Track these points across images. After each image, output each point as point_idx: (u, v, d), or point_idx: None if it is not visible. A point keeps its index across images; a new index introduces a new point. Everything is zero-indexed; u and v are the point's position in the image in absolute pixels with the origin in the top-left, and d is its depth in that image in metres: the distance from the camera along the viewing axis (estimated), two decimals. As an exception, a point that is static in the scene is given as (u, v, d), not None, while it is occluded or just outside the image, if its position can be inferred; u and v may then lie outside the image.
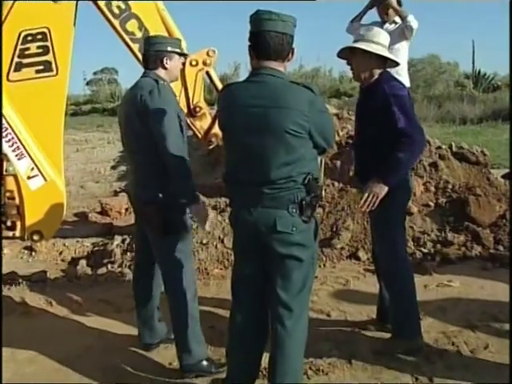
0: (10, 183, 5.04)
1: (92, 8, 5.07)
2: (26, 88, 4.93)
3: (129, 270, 5.40)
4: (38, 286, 5.15)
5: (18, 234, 5.16)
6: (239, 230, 2.99)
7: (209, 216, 3.44)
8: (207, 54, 5.37)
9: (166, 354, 3.85)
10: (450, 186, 6.35)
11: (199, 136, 5.46)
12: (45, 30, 4.90)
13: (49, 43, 4.92)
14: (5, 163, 5.13)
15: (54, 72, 4.99)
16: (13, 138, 4.92)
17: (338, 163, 6.30)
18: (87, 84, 37.96)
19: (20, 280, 5.17)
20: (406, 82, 5.55)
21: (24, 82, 4.93)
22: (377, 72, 3.59)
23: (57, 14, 4.92)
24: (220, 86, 5.54)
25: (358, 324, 4.24)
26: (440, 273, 5.22)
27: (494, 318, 4.19)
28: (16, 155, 4.95)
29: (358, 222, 5.88)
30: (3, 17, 4.79)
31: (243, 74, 25.26)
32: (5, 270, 5.16)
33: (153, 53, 3.51)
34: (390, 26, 5.87)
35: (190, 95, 5.33)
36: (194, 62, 5.28)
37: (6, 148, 4.92)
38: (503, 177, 6.88)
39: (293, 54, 2.83)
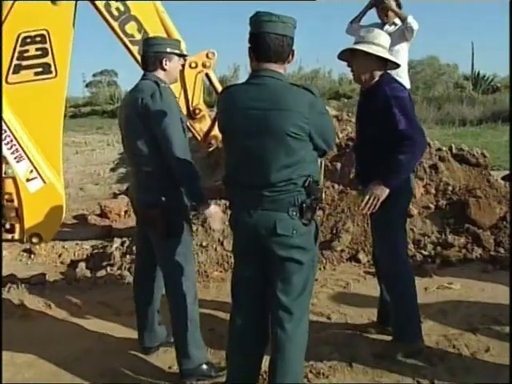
0: (8, 186, 5.01)
1: (91, 10, 5.06)
2: (25, 90, 4.91)
3: (128, 273, 5.39)
4: (37, 288, 5.13)
5: (16, 236, 5.13)
6: (239, 233, 2.98)
7: (220, 215, 3.44)
8: (207, 56, 5.36)
9: (165, 358, 3.83)
10: (450, 188, 6.34)
11: (199, 138, 5.45)
12: (44, 32, 4.88)
13: (48, 45, 4.90)
14: (3, 166, 5.11)
15: (53, 74, 4.97)
16: (11, 140, 4.90)
17: (338, 165, 6.28)
18: (87, 86, 38.04)
19: (19, 283, 5.15)
20: (407, 84, 5.54)
21: (23, 85, 4.91)
22: (377, 74, 3.57)
23: (56, 16, 4.90)
24: (219, 88, 5.53)
25: (358, 327, 4.22)
26: (440, 275, 5.21)
27: (495, 321, 4.17)
28: (15, 158, 4.93)
29: (358, 224, 5.86)
30: (3, 17, 4.77)
31: (242, 76, 25.28)
32: (4, 273, 5.14)
33: (152, 54, 3.49)
34: (389, 28, 5.86)
35: (190, 97, 5.31)
36: (193, 64, 5.27)
37: (4, 150, 4.89)
38: (503, 178, 6.86)
39: (293, 55, 2.82)
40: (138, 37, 5.05)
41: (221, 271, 5.43)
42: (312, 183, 2.78)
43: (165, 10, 5.23)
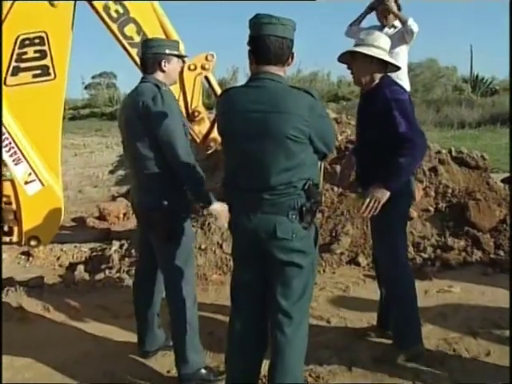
0: (6, 188, 4.99)
1: (90, 12, 5.05)
2: (24, 92, 4.89)
3: (127, 276, 5.37)
4: (35, 291, 5.11)
5: (15, 239, 5.11)
6: (238, 236, 2.97)
7: (226, 212, 3.44)
8: (206, 58, 5.34)
9: (164, 362, 3.82)
10: (449, 191, 6.33)
11: (197, 141, 5.42)
12: (42, 35, 4.86)
13: (46, 47, 4.88)
14: (2, 168, 5.10)
15: (52, 76, 4.96)
16: (10, 142, 4.88)
17: (338, 168, 6.27)
18: (86, 88, 38.09)
19: (17, 285, 5.13)
20: (407, 86, 5.52)
21: (21, 87, 4.89)
22: (377, 76, 3.56)
23: (54, 18, 4.88)
24: (219, 90, 5.52)
25: (358, 331, 4.21)
26: (440, 278, 5.20)
27: (495, 325, 4.16)
28: (13, 160, 4.91)
29: (357, 226, 5.85)
30: (3, 16, 4.76)
31: (241, 79, 25.36)
32: (2, 276, 5.12)
33: (150, 56, 3.47)
34: (389, 31, 5.85)
35: (189, 100, 5.29)
36: (192, 67, 5.25)
37: (3, 153, 4.88)
38: (503, 181, 6.85)
39: (292, 58, 2.81)
40: (137, 39, 5.04)
41: (220, 274, 5.41)
42: (312, 186, 2.76)
43: (164, 13, 5.22)
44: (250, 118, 2.68)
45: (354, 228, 5.83)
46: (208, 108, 6.73)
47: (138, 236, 3.95)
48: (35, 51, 4.88)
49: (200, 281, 5.18)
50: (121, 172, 12.12)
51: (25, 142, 4.94)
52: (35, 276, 5.57)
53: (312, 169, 2.82)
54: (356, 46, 3.57)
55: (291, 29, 2.75)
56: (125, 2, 5.01)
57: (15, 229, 5.08)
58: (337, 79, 29.34)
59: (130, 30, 5.06)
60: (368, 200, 3.40)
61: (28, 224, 5.06)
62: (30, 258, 6.35)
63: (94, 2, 4.98)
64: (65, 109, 5.70)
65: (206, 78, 5.44)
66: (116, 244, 6.30)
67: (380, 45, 3.51)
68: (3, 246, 5.29)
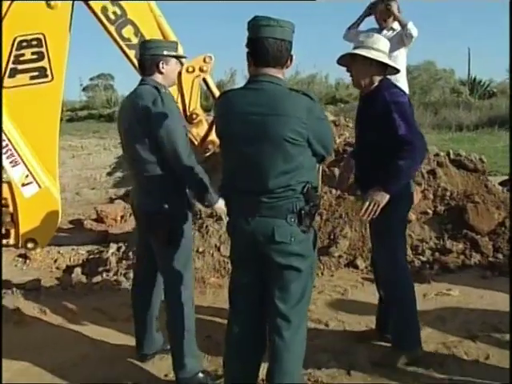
0: (3, 191, 4.98)
1: (88, 13, 5.03)
2: (21, 94, 4.87)
3: (124, 279, 5.35)
4: (31, 294, 5.09)
5: (11, 241, 5.10)
6: (237, 240, 2.95)
7: None
8: (204, 60, 5.33)
9: (161, 365, 3.80)
10: (448, 194, 6.32)
11: (195, 143, 5.41)
12: (40, 36, 4.85)
13: (44, 49, 4.87)
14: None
15: (49, 78, 4.94)
16: (7, 144, 4.87)
17: (336, 170, 6.26)
18: (83, 90, 37.98)
19: (14, 288, 5.11)
20: (405, 89, 5.51)
21: (18, 89, 4.88)
22: (377, 79, 3.55)
23: (52, 20, 4.87)
24: (217, 92, 5.50)
25: (356, 334, 4.19)
26: (439, 281, 5.18)
27: (495, 328, 4.14)
28: (10, 162, 4.90)
29: (355, 229, 5.84)
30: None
31: (239, 81, 25.30)
32: (-1, 278, 5.11)
33: (148, 57, 3.45)
34: (388, 33, 5.83)
35: (187, 102, 5.28)
36: (190, 69, 5.24)
37: (-1, 155, 4.87)
38: (501, 184, 6.85)
39: (291, 60, 2.79)
40: (135, 41, 5.03)
41: (218, 277, 5.39)
42: (310, 189, 2.75)
43: (162, 14, 5.21)
44: (249, 121, 2.67)
45: (353, 231, 5.82)
46: (206, 110, 6.73)
47: (136, 238, 3.94)
48: (32, 53, 4.87)
49: (198, 284, 5.16)
50: (118, 174, 12.09)
51: (22, 144, 4.93)
52: (32, 279, 5.55)
53: (310, 172, 2.80)
54: (355, 48, 3.56)
55: (290, 31, 2.74)
56: (122, 4, 5.00)
57: (12, 231, 5.06)
58: (335, 81, 29.33)
59: (127, 31, 5.05)
60: (367, 203, 3.38)
61: (25, 226, 5.04)
62: (27, 261, 6.33)
63: (92, 4, 4.96)
64: (62, 110, 5.69)
65: (204, 80, 5.43)
66: (113, 247, 6.27)
67: (379, 47, 3.50)
68: (0, 249, 5.27)
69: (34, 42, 4.85)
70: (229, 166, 2.89)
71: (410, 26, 5.80)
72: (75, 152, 15.08)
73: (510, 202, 6.18)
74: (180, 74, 4.85)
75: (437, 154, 6.85)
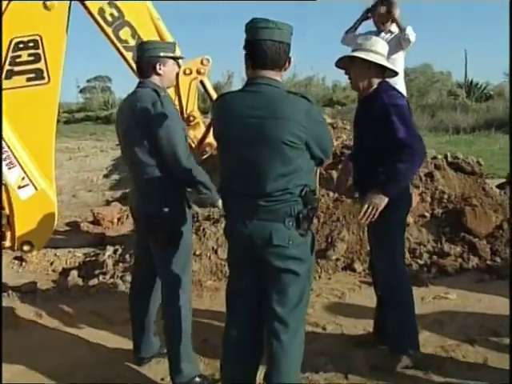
0: (-1, 193, 4.95)
1: (85, 15, 5.01)
2: (17, 96, 4.84)
3: (121, 281, 5.33)
4: (27, 297, 5.07)
5: (7, 244, 5.07)
6: (234, 243, 2.94)
7: None
8: (201, 62, 5.31)
9: (158, 369, 3.78)
10: (445, 197, 6.31)
11: (193, 145, 5.38)
12: (36, 38, 4.82)
13: (40, 51, 4.84)
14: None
15: (46, 80, 4.92)
16: (3, 147, 4.84)
17: (334, 173, 6.25)
18: (80, 92, 38.04)
19: (10, 291, 5.09)
20: (403, 92, 5.48)
21: (15, 90, 4.84)
22: (375, 81, 3.54)
23: (49, 22, 4.84)
24: (214, 95, 5.49)
25: (354, 337, 4.17)
26: (436, 285, 5.17)
27: (493, 332, 4.13)
28: (6, 164, 4.87)
29: (353, 232, 5.82)
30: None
31: (237, 83, 25.34)
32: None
33: (145, 59, 3.44)
34: (386, 36, 5.84)
35: (184, 104, 5.26)
36: (187, 71, 5.22)
37: (-4, 157, 4.84)
38: (498, 187, 6.84)
39: (289, 62, 2.78)
40: (132, 43, 5.00)
41: (215, 280, 5.37)
42: (309, 193, 2.73)
43: (159, 16, 5.19)
44: (247, 124, 2.65)
45: (350, 234, 5.80)
46: (203, 112, 6.70)
47: (135, 241, 3.92)
48: (29, 54, 4.84)
49: (195, 287, 5.13)
50: (115, 176, 12.07)
51: (18, 146, 4.90)
52: (28, 281, 5.53)
53: (308, 175, 2.79)
54: (354, 51, 3.55)
55: (288, 33, 2.72)
56: (120, 6, 4.98)
57: (8, 234, 5.03)
58: (332, 84, 29.40)
59: (124, 33, 5.03)
60: (366, 206, 3.37)
61: (21, 229, 5.01)
62: (23, 263, 6.30)
63: (89, 5, 4.94)
64: (59, 112, 5.68)
65: (202, 82, 5.41)
66: (110, 249, 6.25)
67: (378, 50, 3.49)
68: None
69: (31, 44, 4.82)
70: (226, 169, 2.87)
71: (409, 30, 5.80)
72: (72, 154, 15.06)
73: (509, 204, 6.17)
74: (177, 76, 4.83)
75: (434, 157, 6.84)
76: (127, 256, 5.84)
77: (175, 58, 3.60)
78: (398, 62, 5.75)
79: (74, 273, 5.82)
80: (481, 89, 25.36)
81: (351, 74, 3.59)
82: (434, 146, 8.98)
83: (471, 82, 26.07)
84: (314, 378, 3.58)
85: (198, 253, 5.56)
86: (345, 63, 3.61)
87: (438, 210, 6.21)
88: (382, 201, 3.34)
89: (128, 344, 3.93)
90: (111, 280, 5.47)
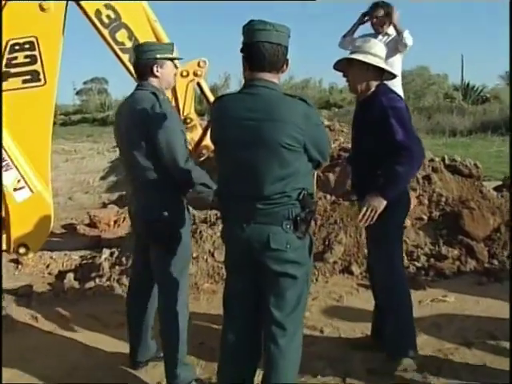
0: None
1: (82, 17, 5.00)
2: (13, 98, 4.83)
3: (117, 284, 5.30)
4: (23, 300, 5.03)
5: (3, 247, 5.05)
6: (231, 246, 2.92)
7: None
8: (198, 64, 5.31)
9: (154, 373, 3.75)
10: (443, 199, 6.30)
11: (190, 148, 5.38)
12: (32, 40, 4.82)
13: (37, 52, 4.84)
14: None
15: (42, 82, 4.91)
16: (-1, 149, 4.83)
17: (331, 176, 6.24)
18: (77, 94, 38.08)
19: (5, 294, 5.05)
20: (401, 95, 5.49)
21: (11, 92, 4.84)
22: (374, 84, 3.53)
23: (45, 23, 4.84)
24: (211, 97, 5.48)
25: (352, 341, 4.15)
26: (434, 287, 5.15)
27: (491, 335, 4.11)
28: (2, 167, 4.85)
29: (350, 235, 5.80)
30: None
31: (233, 85, 25.38)
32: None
33: (142, 62, 3.42)
34: (383, 39, 5.83)
35: (181, 106, 5.26)
36: (184, 73, 5.21)
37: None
38: (496, 189, 6.83)
39: (287, 65, 2.77)
40: (129, 45, 5.00)
41: (212, 283, 5.34)
42: (306, 196, 2.72)
43: (156, 19, 5.18)
44: (245, 126, 2.64)
45: (347, 237, 5.78)
46: (199, 114, 6.69)
47: (133, 246, 3.89)
48: (25, 56, 4.84)
49: (191, 290, 5.10)
50: (112, 178, 12.04)
51: (14, 148, 4.89)
52: (24, 284, 5.49)
53: (306, 178, 2.78)
54: (352, 53, 3.54)
55: (286, 35, 2.71)
56: (116, 7, 4.97)
57: (3, 236, 5.02)
58: (328, 86, 29.50)
59: (121, 35, 5.02)
60: (365, 209, 3.35)
61: (17, 231, 5.00)
62: (19, 266, 6.25)
63: (86, 7, 4.93)
64: (56, 114, 5.67)
65: (199, 84, 5.41)
66: (106, 252, 6.21)
67: (376, 52, 3.48)
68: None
69: (27, 46, 4.81)
70: (224, 171, 2.86)
71: (406, 34, 5.81)
72: (69, 156, 15.04)
73: (510, 205, 6.16)
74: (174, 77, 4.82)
75: (432, 160, 6.84)
76: (123, 259, 5.81)
77: (173, 59, 3.57)
78: (396, 65, 5.74)
79: (70, 275, 5.78)
80: (477, 91, 25.41)
81: (349, 77, 3.58)
82: (430, 149, 8.95)
83: (467, 84, 26.13)
84: (312, 382, 3.56)
85: (194, 255, 5.53)
86: (343, 66, 3.60)
87: (435, 213, 6.20)
88: (381, 203, 3.33)
89: (124, 347, 3.91)
90: (107, 283, 5.43)
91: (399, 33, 5.84)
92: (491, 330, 4.18)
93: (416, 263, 5.64)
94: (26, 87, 4.88)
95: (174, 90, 5.11)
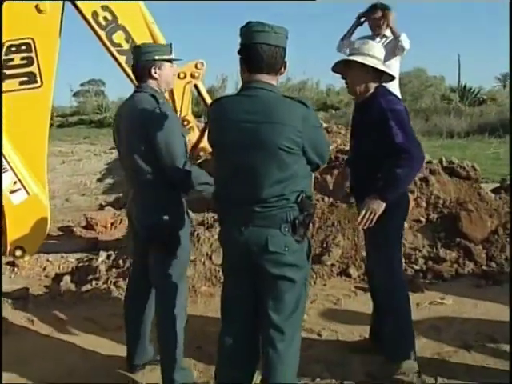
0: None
1: (79, 18, 4.99)
2: (9, 100, 4.81)
3: (114, 287, 5.27)
4: (19, 303, 5.00)
5: (-2, 249, 5.04)
6: (229, 249, 2.90)
7: None
8: (195, 66, 5.30)
9: (151, 377, 3.72)
10: (441, 202, 6.29)
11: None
12: (29, 41, 4.80)
13: (33, 54, 4.82)
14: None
15: (39, 84, 4.89)
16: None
17: (328, 178, 6.22)
18: (74, 95, 38.06)
19: (1, 297, 5.01)
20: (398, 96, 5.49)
21: (7, 94, 4.81)
22: (372, 86, 3.52)
23: (41, 25, 4.82)
24: (208, 99, 5.47)
25: (350, 344, 4.13)
26: (432, 290, 5.13)
27: (490, 339, 4.10)
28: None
29: (348, 237, 5.78)
30: None
31: (231, 87, 25.38)
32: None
33: (140, 64, 3.39)
34: (381, 41, 5.83)
35: (178, 108, 5.25)
36: (181, 75, 5.21)
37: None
38: (493, 191, 6.82)
39: (285, 67, 2.76)
40: (126, 46, 4.99)
41: (209, 286, 5.31)
42: (305, 199, 2.70)
43: (153, 20, 5.17)
44: (243, 129, 2.62)
45: (345, 239, 5.76)
46: (196, 116, 6.69)
47: (132, 249, 3.86)
48: (22, 58, 4.82)
49: (189, 293, 5.07)
50: (109, 180, 12.03)
51: (10, 150, 4.86)
52: (20, 287, 5.45)
53: (305, 181, 2.76)
54: (351, 55, 3.52)
55: (284, 37, 2.70)
56: (113, 9, 4.96)
57: (0, 238, 5.00)
58: (325, 88, 29.51)
59: (118, 37, 5.01)
60: (364, 211, 3.34)
61: (13, 234, 4.98)
62: (15, 269, 6.21)
63: (83, 8, 4.91)
64: (53, 116, 5.66)
65: (196, 86, 5.40)
66: (103, 255, 6.19)
67: (375, 54, 3.47)
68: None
69: (23, 47, 4.80)
70: (222, 174, 2.84)
71: (403, 38, 5.81)
72: (65, 158, 15.03)
73: (510, 206, 6.15)
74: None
75: (429, 162, 6.82)
76: (120, 261, 5.79)
77: (170, 61, 3.54)
78: (394, 67, 5.73)
79: (67, 278, 5.75)
80: (474, 93, 25.44)
81: (348, 79, 3.56)
82: (427, 151, 8.92)
83: (464, 86, 26.18)
84: (311, 386, 3.54)
85: (192, 258, 5.48)
86: (341, 68, 3.59)
87: (433, 215, 6.19)
88: (380, 206, 3.31)
89: (121, 350, 3.88)
90: (104, 286, 5.41)
91: (396, 36, 5.83)
92: (491, 333, 4.16)
93: (414, 266, 5.62)
94: (23, 89, 4.87)
95: (171, 92, 5.10)
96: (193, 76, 5.29)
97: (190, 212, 3.67)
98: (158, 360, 3.59)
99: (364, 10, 6.12)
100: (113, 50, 5.03)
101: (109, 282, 5.45)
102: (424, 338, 4.14)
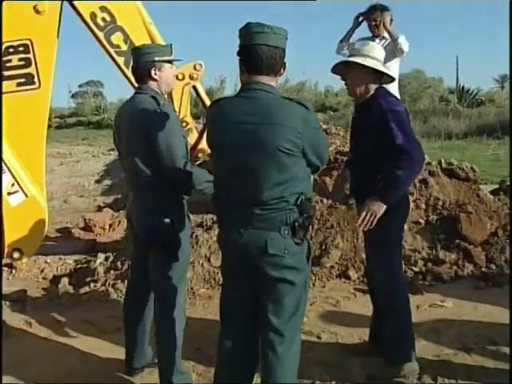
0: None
1: (77, 19, 4.97)
2: (7, 101, 4.79)
3: (112, 289, 5.25)
4: (17, 305, 4.99)
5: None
6: (228, 252, 2.89)
7: None
8: (194, 67, 5.28)
9: (150, 380, 3.71)
10: (440, 203, 6.28)
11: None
12: (27, 42, 4.78)
13: (31, 55, 4.81)
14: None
15: (37, 85, 4.87)
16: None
17: (327, 179, 6.21)
18: (72, 97, 38.07)
19: (-1, 299, 5.00)
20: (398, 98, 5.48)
21: (5, 95, 4.80)
22: (372, 87, 3.50)
23: (39, 26, 4.81)
24: (207, 100, 5.46)
25: (349, 347, 4.11)
26: (432, 292, 5.12)
27: (490, 341, 4.08)
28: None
29: (347, 239, 5.77)
30: None
31: (229, 88, 25.38)
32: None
33: (140, 65, 3.38)
34: (380, 42, 5.81)
35: (176, 110, 5.22)
36: (180, 76, 5.19)
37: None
38: (492, 193, 6.81)
39: (284, 68, 2.75)
40: (124, 47, 4.97)
41: (208, 288, 5.29)
42: (304, 201, 2.69)
43: (152, 21, 5.15)
44: (242, 130, 2.60)
45: (344, 241, 5.74)
46: (194, 117, 6.67)
47: (131, 251, 3.84)
48: (20, 59, 4.80)
49: (187, 295, 5.07)
50: (107, 181, 12.01)
51: (8, 151, 4.84)
52: (18, 289, 5.43)
53: (304, 182, 2.75)
54: (351, 56, 3.51)
55: (283, 38, 2.69)
56: (112, 10, 4.94)
57: (-2, 240, 4.98)
58: (324, 89, 29.54)
59: (116, 38, 5.00)
60: (364, 213, 3.32)
61: (11, 236, 4.96)
62: (13, 271, 6.19)
63: (81, 9, 4.90)
64: (51, 117, 5.66)
65: (194, 87, 5.39)
66: (101, 256, 6.16)
67: (375, 55, 3.46)
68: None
69: (21, 48, 4.78)
70: (221, 175, 2.82)
71: (402, 40, 5.79)
72: (63, 159, 15.02)
73: (510, 208, 6.13)
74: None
75: (429, 163, 6.80)
76: (119, 263, 5.76)
77: (170, 62, 3.52)
78: (393, 69, 5.72)
79: (65, 280, 5.72)
80: (472, 95, 25.48)
81: (348, 80, 3.54)
82: (426, 152, 8.91)
83: (463, 87, 26.21)
84: (310, 389, 3.52)
85: (190, 260, 5.48)
86: (341, 69, 3.57)
87: (432, 217, 6.18)
88: (381, 208, 3.30)
89: (120, 353, 3.86)
90: (102, 288, 5.38)
91: (393, 38, 5.81)
92: (491, 336, 4.15)
93: (413, 268, 5.61)
94: (21, 90, 4.85)
95: (169, 93, 5.08)
96: (191, 77, 5.27)
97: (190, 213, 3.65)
98: (156, 363, 3.58)
99: (363, 11, 6.11)
100: (111, 51, 5.01)
101: (107, 284, 5.43)
102: (424, 340, 4.12)
